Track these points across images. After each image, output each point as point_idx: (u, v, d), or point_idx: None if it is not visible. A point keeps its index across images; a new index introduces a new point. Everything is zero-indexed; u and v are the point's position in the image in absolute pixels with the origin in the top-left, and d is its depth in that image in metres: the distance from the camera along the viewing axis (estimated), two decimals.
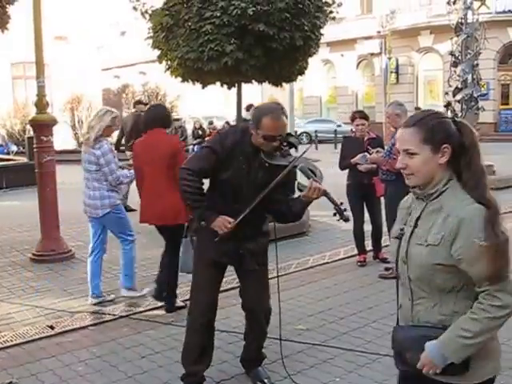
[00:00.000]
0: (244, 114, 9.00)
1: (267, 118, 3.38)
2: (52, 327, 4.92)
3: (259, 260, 3.73)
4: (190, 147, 19.03)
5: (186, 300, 4.87)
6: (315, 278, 6.27)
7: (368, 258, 6.79)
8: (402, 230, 2.17)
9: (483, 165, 2.07)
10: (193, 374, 3.79)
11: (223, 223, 3.47)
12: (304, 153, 3.45)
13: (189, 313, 3.87)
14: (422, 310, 2.10)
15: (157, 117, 5.28)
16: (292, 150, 3.64)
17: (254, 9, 7.33)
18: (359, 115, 6.65)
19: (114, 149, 5.61)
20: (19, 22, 10.52)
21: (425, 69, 29.73)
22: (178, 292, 5.36)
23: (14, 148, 21.66)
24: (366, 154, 6.28)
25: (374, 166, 6.21)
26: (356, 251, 6.87)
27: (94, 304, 5.44)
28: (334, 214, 3.29)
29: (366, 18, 30.28)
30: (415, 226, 2.11)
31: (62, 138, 16.87)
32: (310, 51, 8.39)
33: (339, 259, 7.00)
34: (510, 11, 25.55)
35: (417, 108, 21.54)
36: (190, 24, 7.67)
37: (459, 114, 12.48)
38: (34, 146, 7.36)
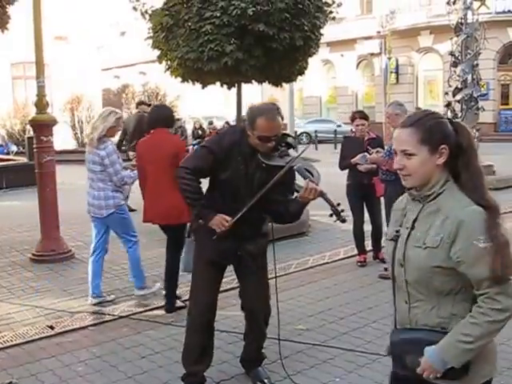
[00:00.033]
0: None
1: (261, 118, 3.37)
2: (52, 327, 4.92)
3: (258, 261, 3.74)
4: (190, 147, 19.04)
5: (186, 300, 4.87)
6: (315, 278, 6.27)
7: (368, 258, 6.79)
8: (397, 231, 2.14)
9: (480, 166, 2.06)
10: (193, 374, 3.79)
11: (221, 221, 3.48)
12: (301, 153, 3.45)
13: (188, 313, 3.87)
14: (419, 313, 2.08)
15: (160, 117, 5.33)
16: (290, 151, 3.63)
17: (253, 9, 7.34)
18: (359, 115, 6.65)
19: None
20: (19, 22, 10.53)
21: (425, 69, 29.73)
22: (177, 292, 5.37)
23: (14, 148, 21.64)
24: (365, 154, 6.28)
25: (374, 166, 6.21)
26: (356, 251, 6.86)
27: (94, 304, 5.44)
28: (331, 215, 3.28)
29: (365, 18, 30.27)
30: (412, 227, 2.08)
31: (61, 138, 16.86)
32: (309, 51, 8.40)
33: (339, 259, 6.99)
34: (509, 11, 25.55)
35: (417, 108, 21.53)
36: (189, 24, 7.68)
37: (459, 114, 12.50)
38: (34, 146, 7.35)
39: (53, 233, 7.23)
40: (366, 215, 6.75)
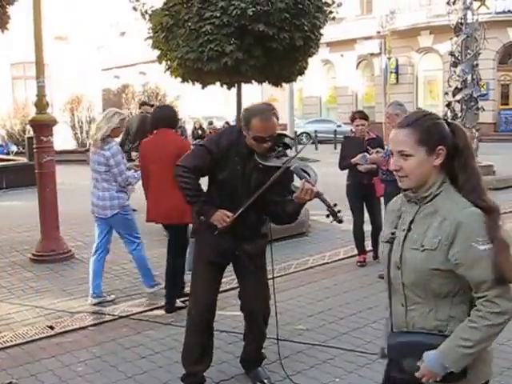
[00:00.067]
0: None
1: (256, 119, 3.37)
2: (52, 327, 4.92)
3: (257, 261, 3.74)
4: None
5: (186, 300, 4.87)
6: (315, 279, 6.27)
7: (368, 258, 6.79)
8: (393, 234, 2.10)
9: (478, 167, 2.04)
10: (193, 374, 3.79)
11: (222, 217, 3.49)
12: (297, 153, 3.44)
13: (188, 313, 3.87)
14: (416, 316, 2.05)
15: (163, 117, 5.36)
16: (288, 151, 3.62)
17: (253, 9, 7.35)
18: (359, 115, 6.65)
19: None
20: (19, 22, 10.53)
21: (424, 69, 29.73)
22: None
23: (14, 148, 21.63)
24: (365, 154, 6.28)
25: (374, 166, 6.21)
26: (356, 251, 6.87)
27: (94, 304, 5.45)
28: (328, 216, 3.26)
29: (365, 18, 30.28)
30: (409, 229, 2.05)
31: (61, 138, 16.85)
32: (309, 51, 8.41)
33: (339, 259, 6.99)
34: (509, 11, 25.55)
35: (418, 109, 21.53)
36: (189, 24, 7.68)
37: (459, 114, 12.50)
38: (34, 146, 7.35)
39: (53, 233, 7.23)
40: (366, 215, 6.76)
